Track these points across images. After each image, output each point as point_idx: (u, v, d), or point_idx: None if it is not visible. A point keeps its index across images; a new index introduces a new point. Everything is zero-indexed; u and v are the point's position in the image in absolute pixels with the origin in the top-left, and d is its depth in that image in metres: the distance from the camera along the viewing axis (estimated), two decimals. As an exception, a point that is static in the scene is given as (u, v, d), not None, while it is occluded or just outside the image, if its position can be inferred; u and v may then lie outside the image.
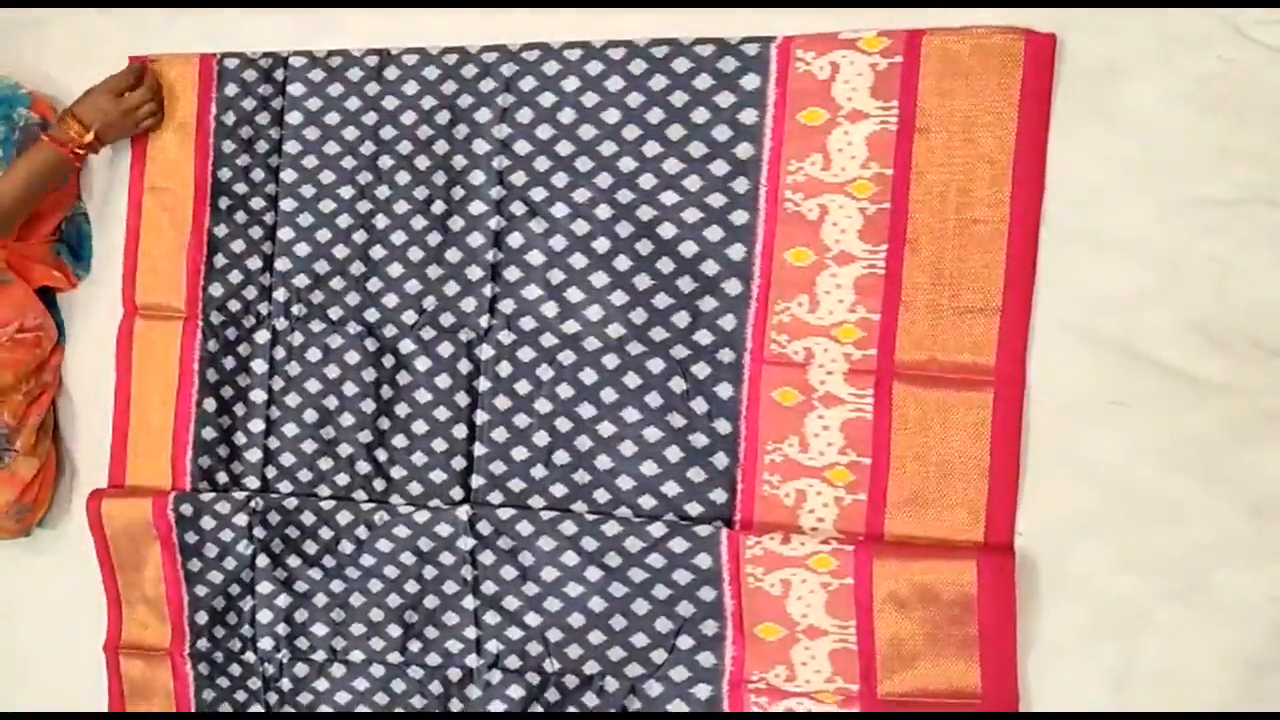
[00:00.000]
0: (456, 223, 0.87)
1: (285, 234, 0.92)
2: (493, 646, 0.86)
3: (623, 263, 0.82)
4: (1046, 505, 0.73)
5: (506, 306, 0.86)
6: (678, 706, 0.81)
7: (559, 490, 0.84)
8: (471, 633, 0.86)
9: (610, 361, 0.82)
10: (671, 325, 0.81)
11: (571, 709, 0.83)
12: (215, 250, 0.94)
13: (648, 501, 0.81)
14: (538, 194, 0.85)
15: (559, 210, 0.84)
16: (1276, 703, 0.68)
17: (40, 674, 1.02)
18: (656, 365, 0.81)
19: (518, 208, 0.85)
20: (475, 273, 0.87)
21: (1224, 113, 0.68)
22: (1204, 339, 0.69)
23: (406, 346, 0.88)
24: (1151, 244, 0.71)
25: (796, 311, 0.78)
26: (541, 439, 0.84)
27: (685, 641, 0.81)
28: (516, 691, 0.85)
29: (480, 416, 0.86)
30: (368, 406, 0.89)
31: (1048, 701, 0.73)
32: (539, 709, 0.84)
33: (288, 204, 0.92)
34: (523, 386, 0.85)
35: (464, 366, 0.87)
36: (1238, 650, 0.69)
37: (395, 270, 0.89)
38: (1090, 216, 0.72)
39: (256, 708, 0.93)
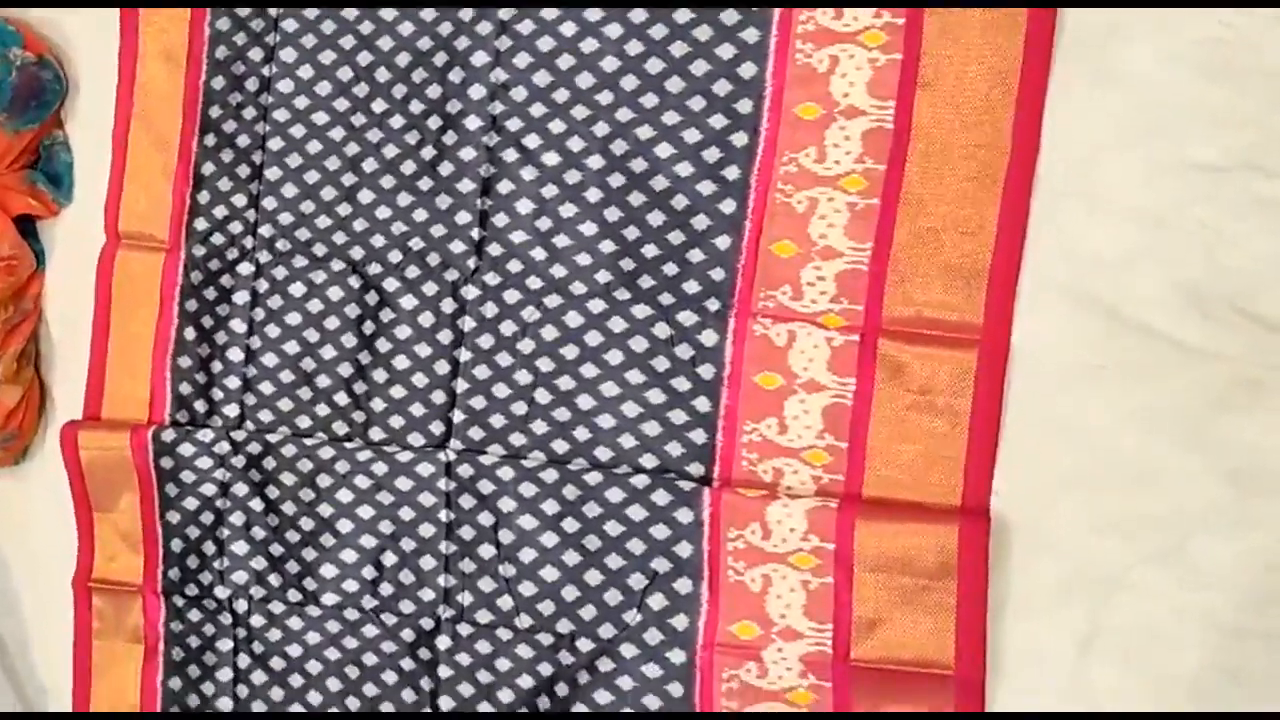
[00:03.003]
0: (446, 168, 0.87)
1: (273, 173, 0.91)
2: (464, 599, 0.85)
3: (613, 214, 0.82)
4: (1024, 466, 0.73)
5: (494, 250, 0.85)
6: (652, 670, 0.80)
7: (539, 427, 0.83)
8: (444, 580, 0.86)
9: (596, 306, 0.82)
10: (660, 274, 0.81)
11: (544, 665, 0.83)
12: (201, 185, 0.93)
13: (628, 441, 0.81)
14: (531, 141, 0.84)
15: (551, 159, 0.83)
16: (1248, 668, 0.68)
17: (27, 603, 1.01)
18: (642, 311, 0.81)
19: (509, 154, 0.85)
20: (464, 217, 0.86)
21: (1223, 78, 0.68)
22: (1190, 304, 0.69)
23: (391, 284, 0.88)
24: (1142, 207, 0.70)
25: (784, 258, 0.78)
26: (524, 377, 0.83)
27: (658, 601, 0.80)
28: (485, 646, 0.84)
29: (463, 354, 0.85)
30: (349, 341, 0.88)
31: (1013, 661, 0.72)
32: (508, 663, 0.84)
33: (276, 143, 0.91)
34: (507, 327, 0.84)
35: (448, 306, 0.86)
36: (1211, 615, 0.69)
37: (383, 213, 0.88)
38: (1083, 177, 0.72)
39: (225, 643, 0.92)
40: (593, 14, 0.82)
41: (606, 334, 0.82)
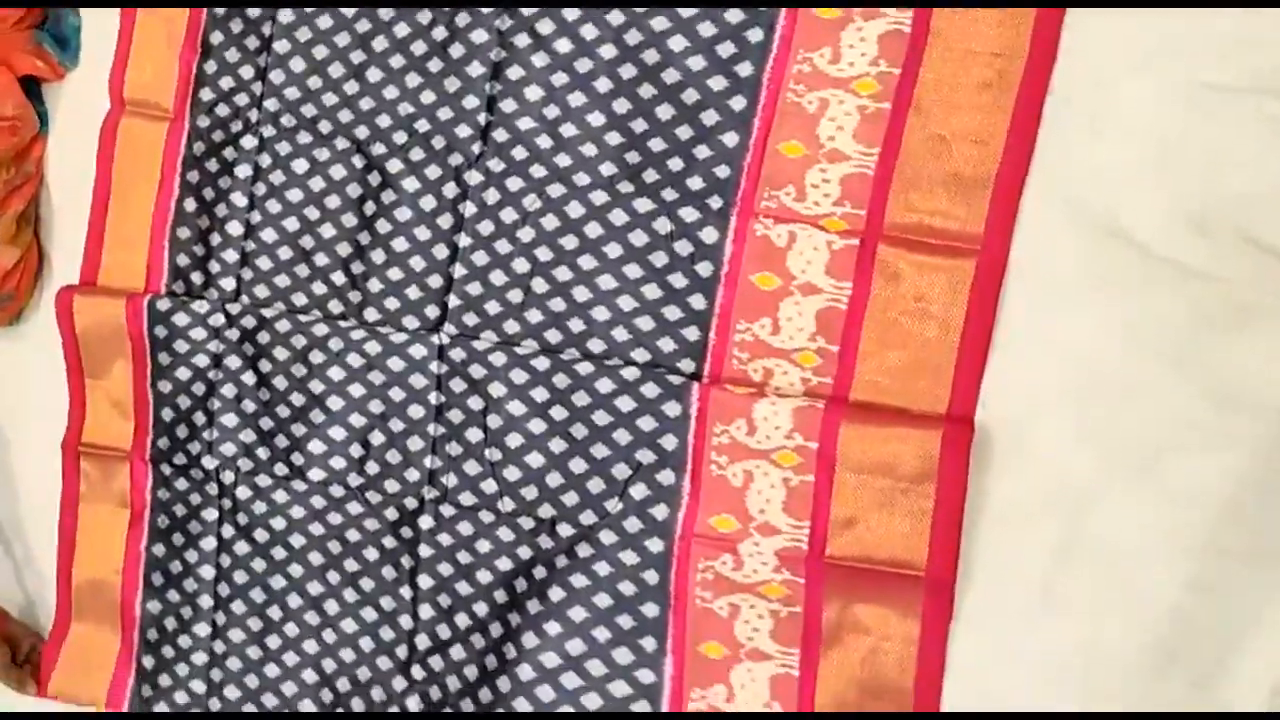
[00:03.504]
0: (457, 50, 0.86)
1: (281, 46, 0.90)
2: (448, 480, 0.86)
3: (622, 105, 0.81)
4: (1011, 378, 0.73)
5: (500, 135, 0.85)
6: (629, 557, 0.81)
7: (534, 316, 0.83)
8: (431, 461, 0.87)
9: (598, 197, 0.82)
10: (665, 169, 0.80)
11: (523, 549, 0.84)
12: (209, 56, 0.92)
13: (621, 334, 0.81)
14: (544, 26, 0.83)
15: (563, 45, 0.83)
16: (1220, 585, 0.69)
17: (16, 464, 1.02)
18: (644, 205, 0.81)
19: (521, 39, 0.84)
20: (471, 101, 0.85)
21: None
22: (1190, 226, 0.69)
23: (394, 166, 0.87)
24: (1152, 126, 0.70)
25: (791, 158, 0.77)
26: (521, 265, 0.84)
27: (640, 491, 0.81)
28: (466, 528, 0.85)
29: (463, 240, 0.85)
30: (349, 220, 0.88)
31: (984, 570, 0.73)
32: (489, 545, 0.85)
33: (286, 15, 0.90)
34: (508, 214, 0.84)
35: (450, 190, 0.86)
36: (1184, 532, 0.69)
37: (390, 93, 0.88)
38: (1096, 94, 0.71)
39: (211, 512, 0.93)
40: None
41: (607, 226, 0.82)
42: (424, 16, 0.86)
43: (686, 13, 0.79)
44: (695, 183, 0.80)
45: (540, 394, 0.82)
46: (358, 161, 0.88)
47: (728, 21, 0.78)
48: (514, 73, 0.84)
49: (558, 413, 0.82)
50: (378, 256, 0.88)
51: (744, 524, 0.78)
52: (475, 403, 0.85)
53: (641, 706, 0.81)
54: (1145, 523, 0.70)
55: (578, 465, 0.82)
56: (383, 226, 0.88)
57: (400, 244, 0.88)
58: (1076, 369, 0.72)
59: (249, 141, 0.91)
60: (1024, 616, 0.73)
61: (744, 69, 0.79)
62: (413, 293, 0.87)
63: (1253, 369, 0.68)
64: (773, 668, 0.78)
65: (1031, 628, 0.73)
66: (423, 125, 0.87)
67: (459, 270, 0.86)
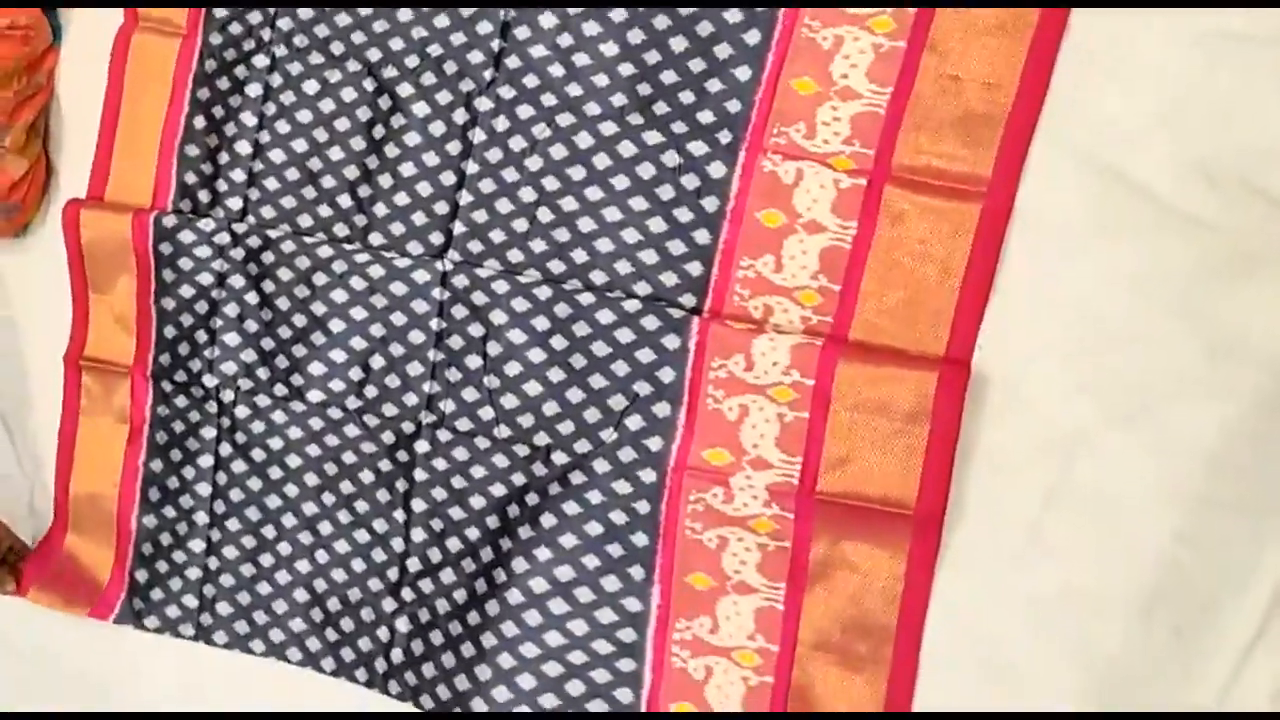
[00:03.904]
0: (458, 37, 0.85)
1: None
2: (446, 405, 0.86)
3: (636, 35, 0.81)
4: (1010, 322, 0.73)
5: (512, 62, 0.84)
6: (622, 487, 0.82)
7: (538, 246, 0.84)
8: (429, 387, 0.87)
9: (608, 128, 0.81)
10: (675, 101, 0.80)
11: (517, 475, 0.85)
12: None
13: (624, 266, 0.81)
14: None
15: None
16: (1207, 536, 0.70)
17: (21, 374, 1.02)
18: (653, 137, 0.80)
19: None
20: (485, 27, 0.85)
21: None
22: (1199, 174, 0.69)
23: (405, 90, 0.87)
24: (1166, 72, 0.70)
25: (803, 94, 0.77)
26: (528, 194, 0.84)
27: (635, 422, 0.82)
28: (462, 453, 0.86)
29: (470, 166, 0.85)
30: (358, 144, 0.88)
31: (974, 511, 0.74)
32: (483, 471, 0.86)
33: None
34: (517, 142, 0.84)
35: (460, 116, 0.85)
36: (1174, 482, 0.70)
37: (404, 15, 0.87)
38: (1111, 39, 0.71)
39: (209, 430, 0.94)
40: None
41: (615, 157, 0.82)
42: None
43: None
44: (705, 116, 0.80)
45: (541, 323, 0.83)
46: (369, 84, 0.88)
47: None
48: None
49: (557, 342, 0.82)
50: (385, 181, 0.88)
51: (737, 458, 0.78)
52: (476, 329, 0.85)
53: (627, 634, 0.82)
54: (1137, 471, 0.71)
55: (575, 395, 0.83)
56: (391, 151, 0.88)
57: (408, 169, 0.87)
58: (1076, 316, 0.72)
59: (260, 60, 0.91)
60: (1011, 559, 0.74)
61: (760, 6, 0.78)
62: (418, 218, 0.87)
63: (1254, 321, 0.68)
64: (758, 600, 0.79)
65: (1018, 570, 0.73)
66: (435, 49, 0.86)
67: (465, 197, 0.86)
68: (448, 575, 0.87)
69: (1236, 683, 0.69)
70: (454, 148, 0.86)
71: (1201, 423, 0.69)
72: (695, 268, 0.80)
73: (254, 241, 0.91)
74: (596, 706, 0.83)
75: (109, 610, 0.96)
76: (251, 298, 0.91)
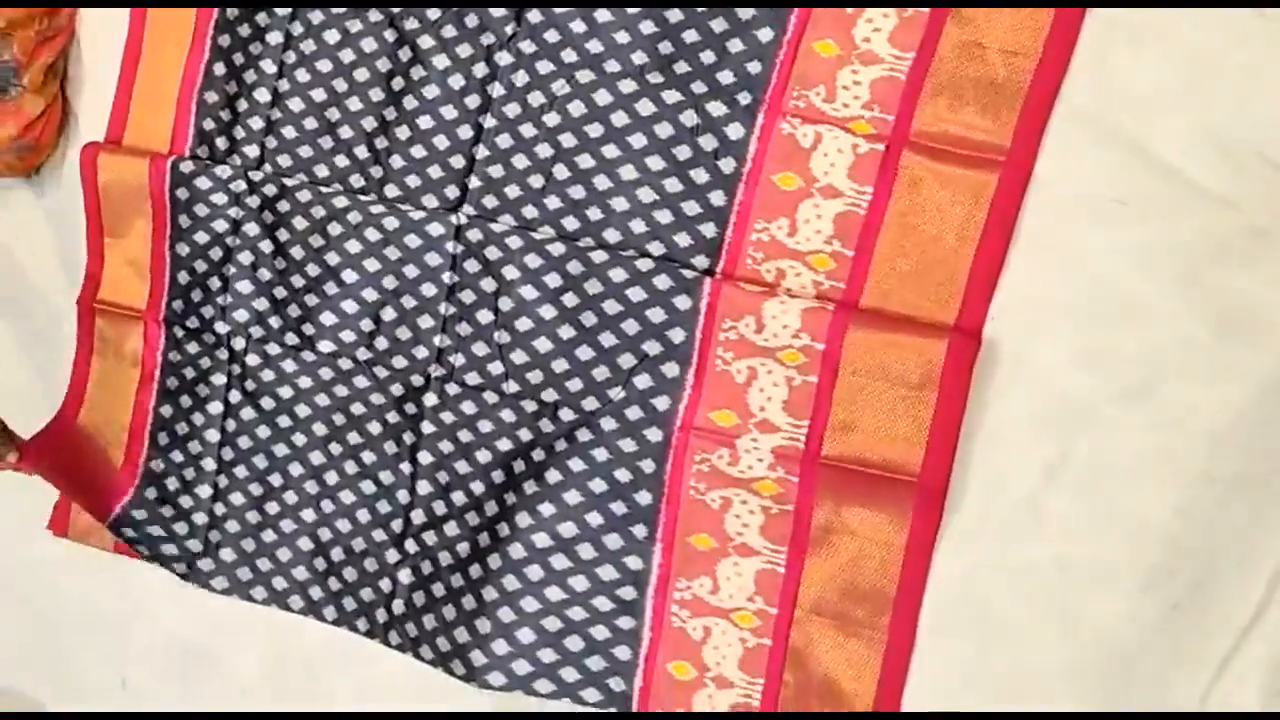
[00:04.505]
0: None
1: None
2: (456, 359, 0.87)
3: None
4: (1020, 293, 0.73)
5: (534, 17, 0.84)
6: (628, 445, 0.82)
7: (553, 203, 0.84)
8: (439, 340, 0.87)
9: (627, 86, 0.81)
10: (696, 61, 0.80)
11: (524, 431, 0.85)
12: None
13: (638, 226, 0.81)
14: None
15: None
16: (1203, 512, 0.70)
17: (25, 310, 1.04)
18: (672, 96, 0.80)
19: None
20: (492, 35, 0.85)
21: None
22: (1216, 149, 0.69)
23: (426, 42, 0.87)
24: (1186, 46, 0.69)
25: (824, 57, 0.77)
26: (544, 151, 0.84)
27: (643, 381, 0.82)
28: (469, 407, 0.86)
29: (488, 121, 0.85)
30: (376, 95, 0.88)
31: (976, 480, 0.74)
32: (490, 426, 0.86)
33: None
34: (535, 98, 0.84)
35: (480, 70, 0.85)
36: (1176, 458, 0.70)
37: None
38: (1136, 11, 0.70)
39: (219, 377, 0.94)
40: None
41: (633, 116, 0.82)
42: None
43: None
44: (725, 77, 0.79)
45: (553, 279, 0.83)
46: (389, 35, 0.88)
47: None
48: None
49: (569, 299, 0.83)
50: (402, 133, 0.88)
51: (743, 420, 0.79)
52: (488, 284, 0.85)
53: (628, 592, 0.82)
54: (1138, 446, 0.71)
55: (584, 352, 0.83)
56: (409, 103, 0.88)
57: (425, 121, 0.87)
58: (1086, 288, 0.72)
59: (282, 8, 0.91)
60: (1011, 530, 0.74)
61: None
62: (434, 171, 0.87)
63: (1262, 299, 0.68)
64: (759, 563, 0.79)
65: (1017, 541, 0.74)
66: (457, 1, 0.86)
67: (481, 151, 0.86)
68: (452, 528, 0.87)
69: (1233, 661, 0.70)
70: (473, 101, 0.86)
71: (1206, 400, 0.69)
72: (709, 229, 0.80)
73: (270, 190, 0.91)
74: (595, 663, 0.84)
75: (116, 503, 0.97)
76: (265, 245, 0.91)
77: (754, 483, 0.79)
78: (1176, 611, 0.70)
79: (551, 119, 0.84)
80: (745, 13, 0.79)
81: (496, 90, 0.85)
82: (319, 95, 0.91)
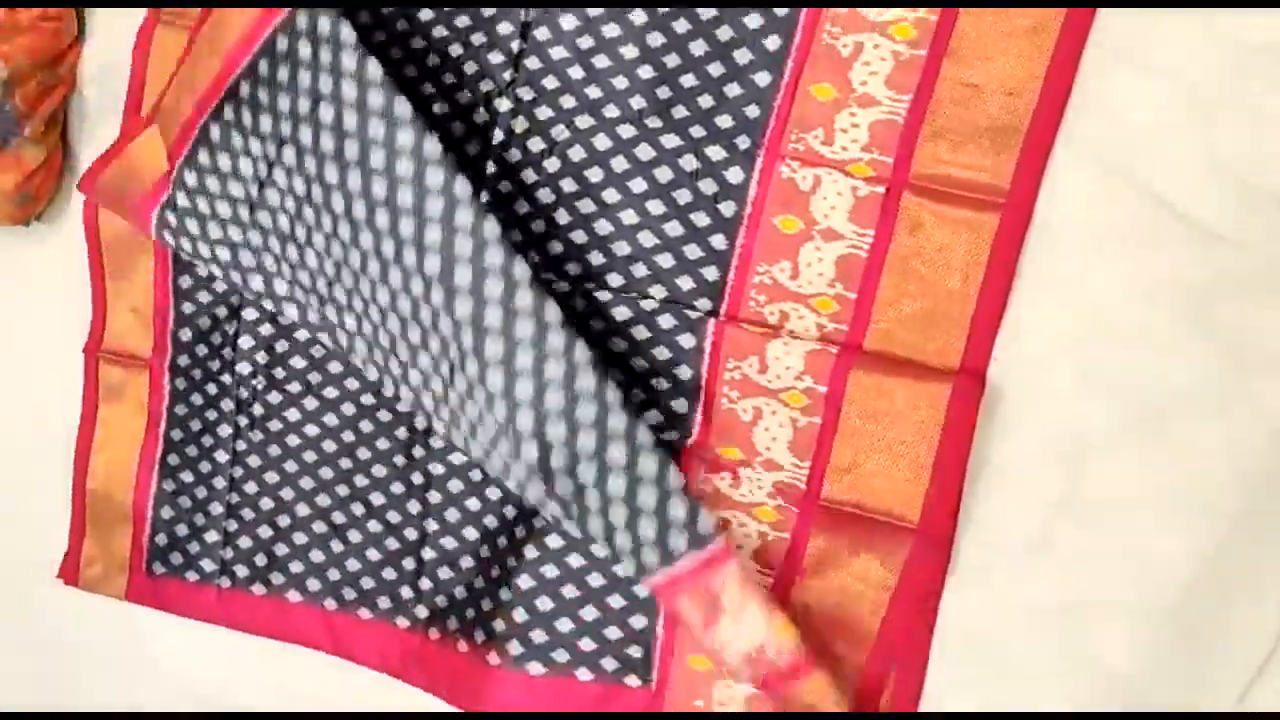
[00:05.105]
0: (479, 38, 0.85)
1: None
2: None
3: (656, 38, 0.81)
4: (1025, 332, 0.73)
5: (532, 64, 0.85)
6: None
7: (555, 248, 0.84)
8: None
9: (626, 131, 0.82)
10: (695, 105, 0.80)
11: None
12: None
13: (640, 270, 0.82)
14: None
15: None
16: (1216, 549, 0.70)
17: (21, 368, 1.04)
18: (671, 141, 0.81)
19: None
20: (505, 27, 0.85)
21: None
22: (1224, 186, 0.69)
23: (426, 89, 0.88)
24: (1193, 82, 0.70)
25: (821, 101, 0.78)
26: (546, 196, 0.84)
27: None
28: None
29: (489, 167, 0.86)
30: None
31: (981, 521, 0.75)
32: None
33: None
34: (535, 144, 0.84)
35: (480, 116, 0.86)
36: (1185, 493, 0.70)
37: (425, 14, 0.87)
38: (1137, 46, 0.71)
39: (225, 428, 0.95)
40: None
41: (633, 161, 0.82)
42: None
43: None
44: (724, 121, 0.80)
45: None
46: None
47: None
48: None
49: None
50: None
51: (749, 457, 0.79)
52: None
53: (638, 620, 0.83)
54: (1147, 483, 0.71)
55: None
56: None
57: None
58: (1092, 326, 0.72)
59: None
60: (1019, 568, 0.74)
61: (780, 8, 0.78)
62: None
63: (1270, 334, 0.68)
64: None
65: (1026, 580, 0.74)
66: (455, 49, 0.87)
67: (483, 197, 0.86)
68: (466, 561, 0.88)
69: (1251, 694, 0.70)
70: (472, 148, 0.86)
71: (1215, 435, 0.70)
72: (711, 272, 0.81)
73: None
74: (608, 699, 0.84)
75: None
76: (267, 302, 0.91)
77: (754, 509, 0.80)
78: (1191, 647, 0.71)
79: (552, 164, 0.84)
80: (743, 57, 0.79)
81: (496, 136, 0.85)
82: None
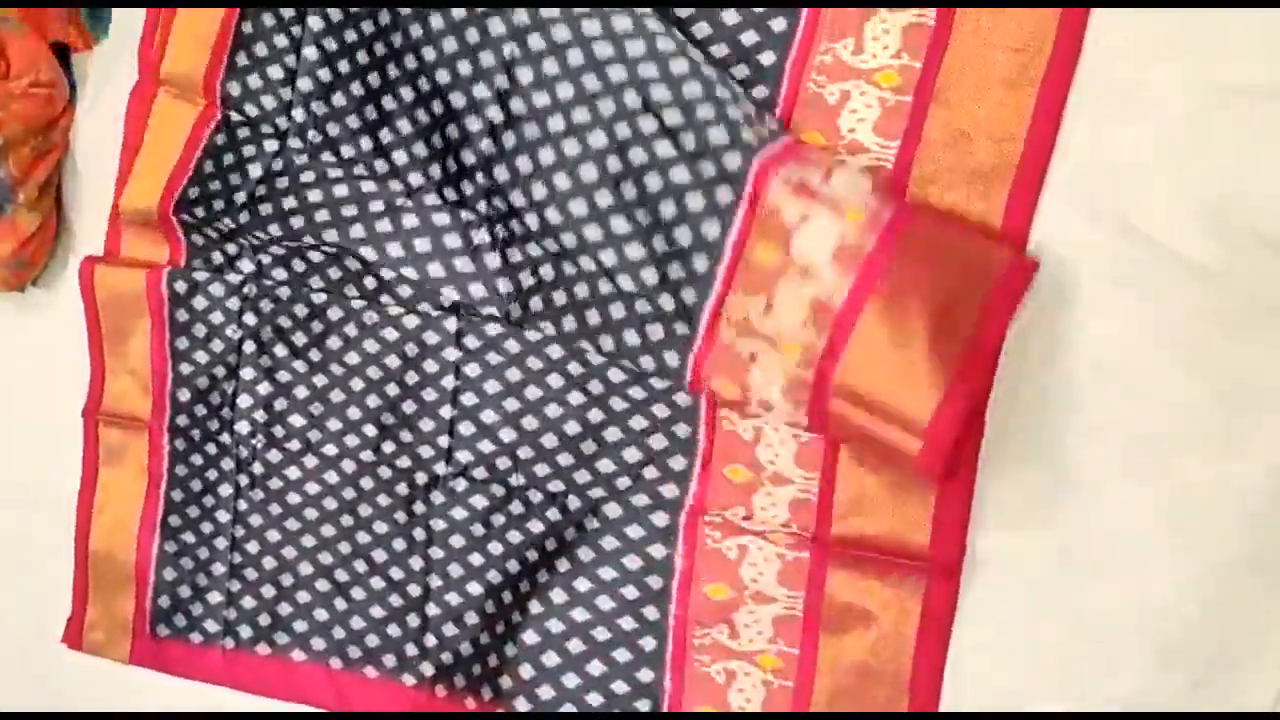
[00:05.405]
0: (465, 67, 0.84)
1: (310, 53, 0.88)
2: (463, 456, 0.87)
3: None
4: (1022, 374, 0.73)
5: (501, 174, 0.84)
6: (635, 531, 0.83)
7: (545, 325, 0.83)
8: (444, 441, 0.88)
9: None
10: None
11: (534, 522, 0.85)
12: (240, 47, 0.91)
13: (631, 338, 0.80)
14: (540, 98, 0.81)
15: (557, 122, 0.81)
16: (1223, 590, 0.70)
17: (20, 431, 1.04)
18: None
19: (518, 105, 0.83)
20: (475, 124, 0.85)
21: (1274, -1, 0.67)
22: (1212, 226, 0.69)
23: (418, 180, 0.86)
24: (1177, 123, 0.70)
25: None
26: (527, 278, 0.83)
27: (651, 472, 0.83)
28: (480, 501, 0.87)
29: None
30: (357, 232, 0.87)
31: (990, 566, 0.75)
32: (501, 519, 0.87)
33: (315, 22, 0.87)
34: (517, 198, 0.84)
35: (451, 195, 0.85)
36: (1188, 535, 0.70)
37: (407, 94, 0.87)
38: (1122, 89, 0.71)
39: (226, 489, 0.95)
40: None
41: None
42: (429, 56, 0.85)
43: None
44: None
45: (555, 380, 0.83)
46: (367, 187, 0.87)
47: (751, 11, 0.79)
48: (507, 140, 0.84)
49: (575, 398, 0.83)
50: (393, 250, 0.87)
51: (749, 514, 0.80)
52: (492, 386, 0.86)
53: (644, 675, 0.83)
54: (1150, 522, 0.71)
55: (589, 447, 0.83)
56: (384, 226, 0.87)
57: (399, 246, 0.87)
58: (1089, 367, 0.72)
59: (270, 145, 0.91)
60: (1024, 610, 0.74)
61: (767, 58, 0.79)
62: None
63: (1267, 373, 0.68)
64: (778, 609, 0.80)
65: (1031, 621, 0.74)
66: (437, 140, 0.86)
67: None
68: (471, 617, 0.87)
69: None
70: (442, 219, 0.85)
71: (1216, 477, 0.69)
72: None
73: (265, 306, 0.91)
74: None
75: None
76: (265, 362, 0.92)
77: (768, 534, 0.79)
78: (1198, 689, 0.70)
79: (533, 221, 0.83)
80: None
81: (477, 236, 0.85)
82: (298, 223, 0.90)
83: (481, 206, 0.85)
